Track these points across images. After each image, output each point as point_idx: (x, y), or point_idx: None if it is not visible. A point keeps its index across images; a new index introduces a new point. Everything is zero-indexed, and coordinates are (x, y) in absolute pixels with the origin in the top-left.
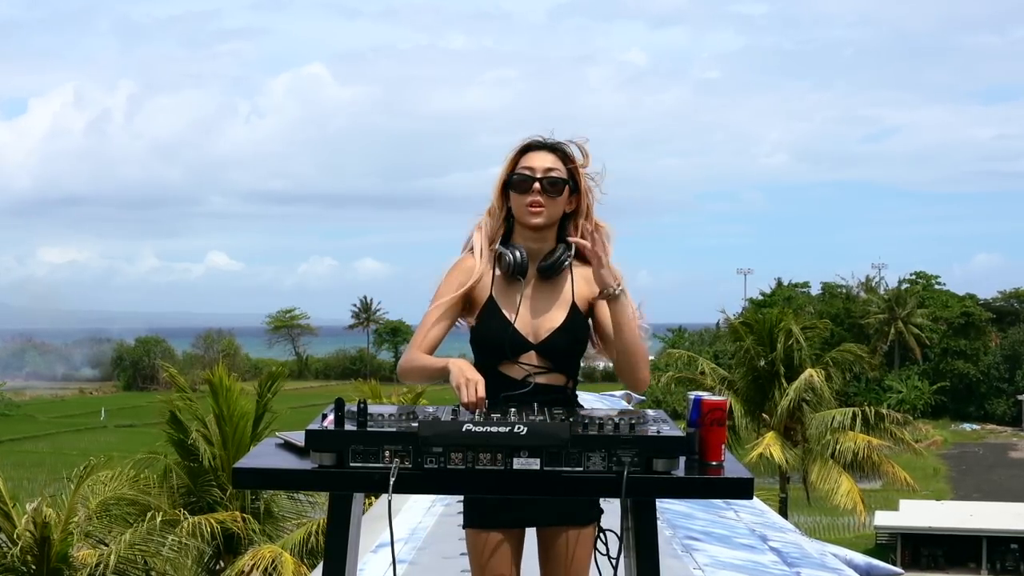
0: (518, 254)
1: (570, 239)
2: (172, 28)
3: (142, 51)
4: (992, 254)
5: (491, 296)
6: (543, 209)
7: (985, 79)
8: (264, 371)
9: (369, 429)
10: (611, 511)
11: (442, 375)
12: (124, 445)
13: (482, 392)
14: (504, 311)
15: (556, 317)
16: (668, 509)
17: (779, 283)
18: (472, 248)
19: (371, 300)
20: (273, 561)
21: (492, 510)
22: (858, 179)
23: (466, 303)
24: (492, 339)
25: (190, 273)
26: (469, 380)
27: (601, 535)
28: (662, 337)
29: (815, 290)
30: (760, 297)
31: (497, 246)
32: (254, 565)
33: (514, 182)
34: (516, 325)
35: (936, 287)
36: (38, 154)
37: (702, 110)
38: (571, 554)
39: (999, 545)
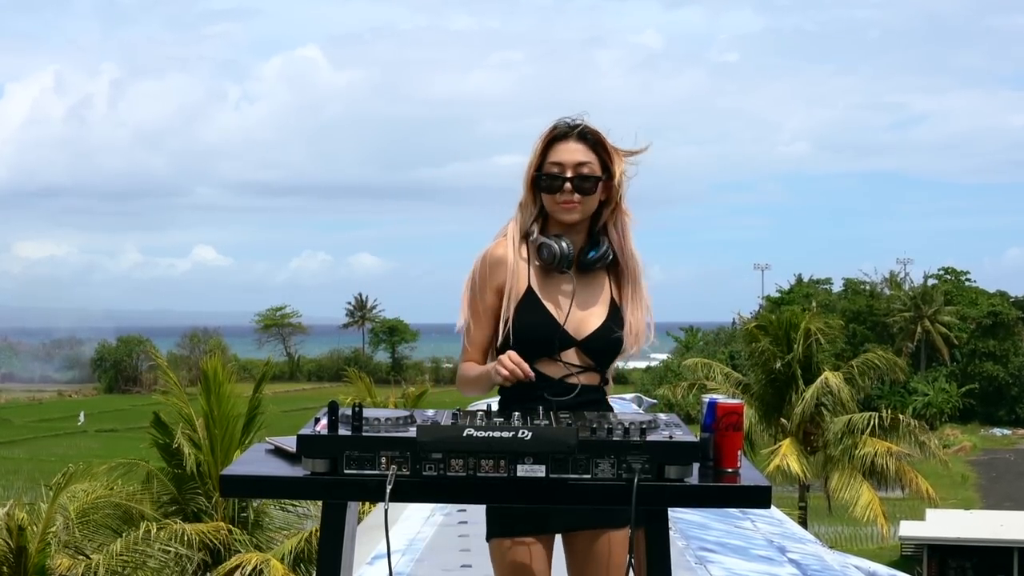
0: (565, 245)
1: None
2: (157, 9)
3: (125, 33)
4: None
5: (530, 287)
6: (577, 205)
7: (1019, 63)
8: (253, 373)
9: (365, 434)
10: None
11: (490, 381)
12: (105, 451)
13: (521, 362)
14: (547, 304)
15: (598, 314)
16: (681, 519)
17: (799, 279)
18: (505, 235)
19: (367, 297)
20: (259, 566)
21: (521, 516)
22: (883, 169)
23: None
24: (536, 334)
25: (175, 269)
26: (504, 362)
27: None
28: (676, 337)
29: (837, 287)
30: (778, 294)
31: (537, 236)
32: (238, 567)
33: (543, 183)
34: (560, 320)
35: (965, 283)
36: (15, 142)
37: (719, 95)
38: (611, 558)
39: None
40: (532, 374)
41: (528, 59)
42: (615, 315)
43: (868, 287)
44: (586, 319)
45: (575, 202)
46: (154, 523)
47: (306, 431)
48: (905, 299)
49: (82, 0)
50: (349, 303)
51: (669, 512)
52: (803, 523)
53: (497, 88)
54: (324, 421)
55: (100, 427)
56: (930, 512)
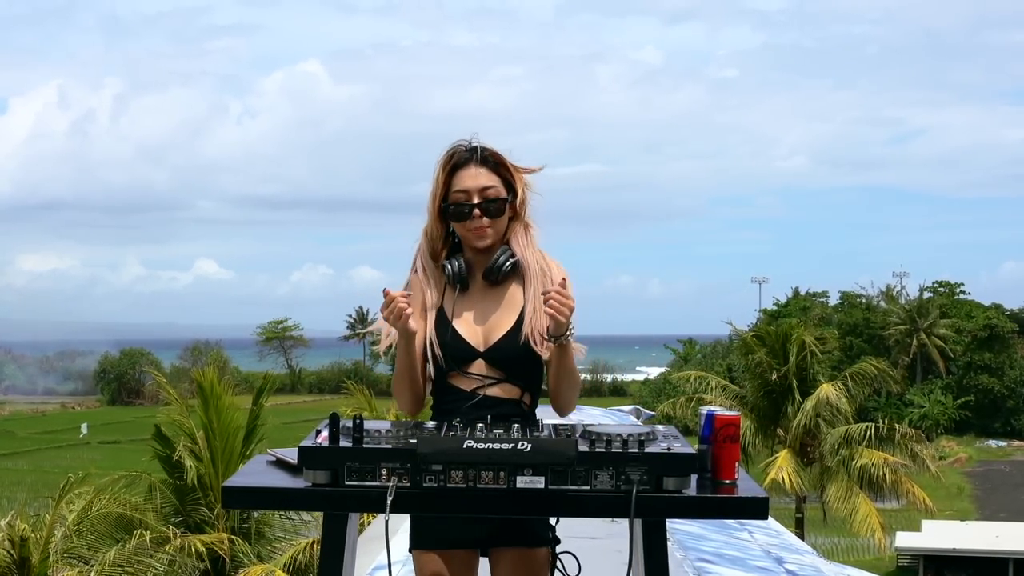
0: (457, 264)
1: (545, 296)
2: (160, 24)
3: (128, 48)
4: (1021, 262)
5: (440, 307)
6: (488, 230)
7: (1015, 78)
8: (254, 385)
9: (365, 446)
10: (615, 533)
11: (401, 349)
12: (108, 462)
13: (389, 299)
14: (452, 320)
15: (504, 322)
16: (679, 530)
17: (796, 292)
18: (417, 270)
19: (367, 310)
20: None
21: (440, 529)
22: (881, 183)
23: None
24: (433, 348)
25: (177, 282)
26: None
27: (558, 561)
28: (674, 349)
29: (834, 300)
30: (775, 307)
31: (443, 260)
32: None
33: (451, 212)
34: (462, 333)
35: (960, 296)
36: (18, 156)
37: (717, 110)
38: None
39: None
40: (391, 292)
41: (528, 74)
42: (522, 322)
43: (864, 300)
44: (492, 330)
45: (485, 227)
46: (157, 533)
47: (307, 443)
48: (901, 312)
49: (85, 15)
50: (350, 316)
51: (668, 523)
52: (800, 534)
53: (497, 103)
54: (325, 433)
55: (103, 439)
56: (926, 523)
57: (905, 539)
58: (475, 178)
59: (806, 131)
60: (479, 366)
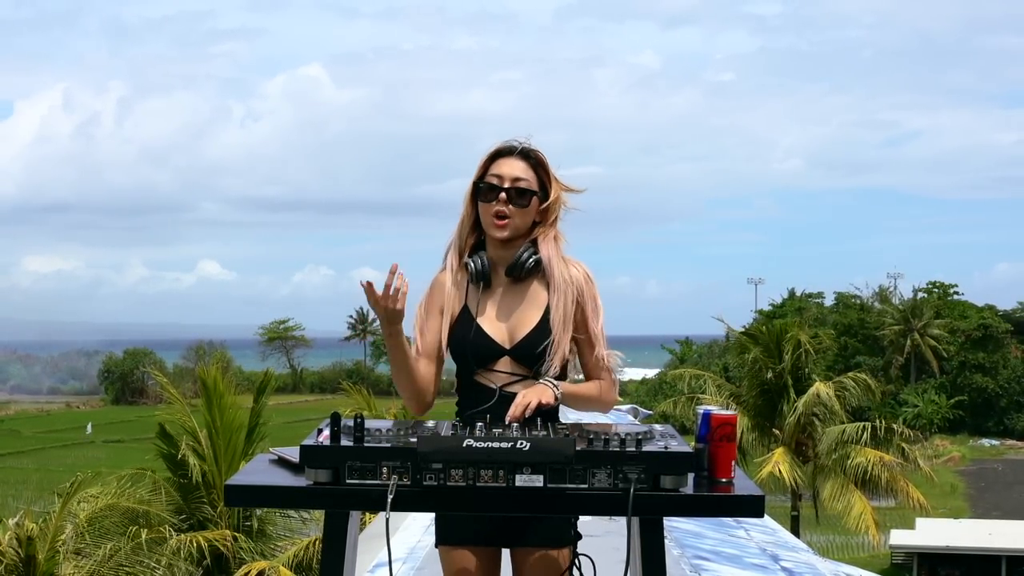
0: (479, 261)
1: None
2: (164, 28)
3: (133, 52)
4: (1014, 263)
5: (465, 305)
6: (508, 221)
7: (1008, 82)
8: (257, 384)
9: (366, 444)
10: (612, 531)
11: (391, 340)
12: (112, 461)
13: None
14: (478, 319)
15: (529, 319)
16: (676, 528)
17: (791, 293)
18: (445, 267)
19: (368, 311)
20: (267, 572)
21: (466, 526)
22: (875, 185)
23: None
24: (464, 347)
25: (180, 283)
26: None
27: (577, 561)
28: (670, 349)
29: (829, 300)
30: (771, 308)
31: (466, 257)
32: None
33: (481, 190)
34: (488, 331)
35: (954, 297)
36: (24, 159)
37: (714, 114)
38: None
39: (1019, 565)
40: (365, 281)
41: (528, 78)
42: (547, 321)
43: (859, 301)
44: (516, 328)
45: (506, 214)
46: (160, 529)
47: (309, 442)
48: (895, 313)
49: (90, 19)
50: (351, 316)
51: (665, 521)
52: (795, 532)
53: (497, 106)
54: (327, 432)
55: (107, 438)
56: (920, 521)
57: (899, 537)
58: (511, 166)
59: (802, 134)
60: (505, 363)
